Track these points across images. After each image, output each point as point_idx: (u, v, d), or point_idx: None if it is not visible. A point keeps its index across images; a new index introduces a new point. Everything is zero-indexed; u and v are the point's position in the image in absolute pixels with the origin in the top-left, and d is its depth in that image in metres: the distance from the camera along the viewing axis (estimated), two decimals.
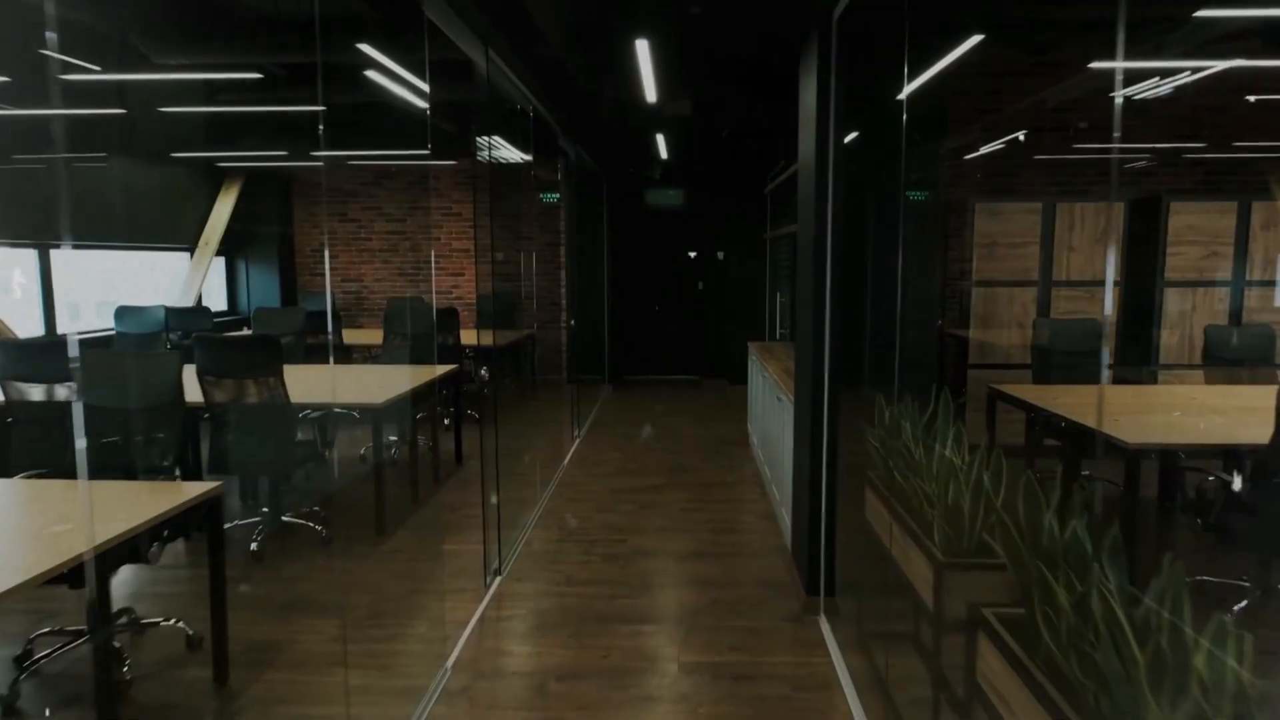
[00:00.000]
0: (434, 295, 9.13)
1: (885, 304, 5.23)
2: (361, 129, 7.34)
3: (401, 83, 4.82)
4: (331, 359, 5.88)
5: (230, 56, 4.28)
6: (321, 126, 3.36)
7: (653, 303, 9.34)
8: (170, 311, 6.30)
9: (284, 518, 4.06)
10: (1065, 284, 5.55)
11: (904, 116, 2.70)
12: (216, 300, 8.98)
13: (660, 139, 6.98)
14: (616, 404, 7.90)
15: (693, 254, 9.11)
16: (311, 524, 4.04)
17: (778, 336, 7.02)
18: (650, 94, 4.87)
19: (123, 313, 6.00)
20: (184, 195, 7.77)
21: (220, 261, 8.82)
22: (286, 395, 3.73)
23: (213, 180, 8.10)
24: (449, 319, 6.56)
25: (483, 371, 4.11)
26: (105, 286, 6.99)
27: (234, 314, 8.41)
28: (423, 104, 5.46)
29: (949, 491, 2.18)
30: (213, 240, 7.92)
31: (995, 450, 2.16)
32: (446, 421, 6.48)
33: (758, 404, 5.39)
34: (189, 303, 7.63)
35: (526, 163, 8.29)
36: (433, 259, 9.19)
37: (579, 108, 5.63)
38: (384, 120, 7.30)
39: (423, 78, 5.13)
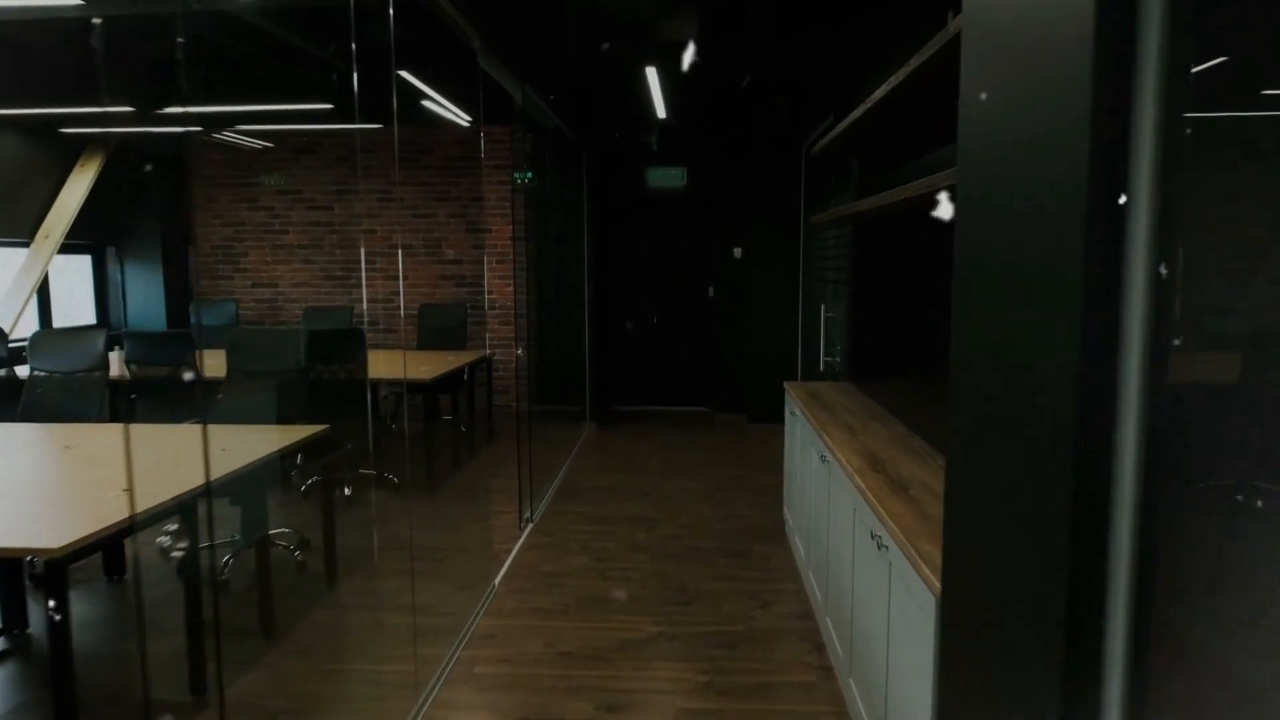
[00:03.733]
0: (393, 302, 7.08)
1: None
2: (249, 77, 5.30)
3: None
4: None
5: None
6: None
7: (650, 313, 7.28)
8: None
9: None
10: None
11: None
12: (84, 312, 6.99)
13: (655, 88, 4.91)
14: (596, 456, 5.83)
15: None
16: None
17: (822, 367, 4.96)
18: None
19: None
20: (11, 171, 5.76)
21: (85, 261, 6.82)
22: None
23: (61, 152, 6.10)
24: (343, 345, 4.51)
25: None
26: None
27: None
28: None
29: None
30: (55, 232, 5.90)
31: None
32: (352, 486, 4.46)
33: (805, 492, 3.32)
34: (12, 316, 5.61)
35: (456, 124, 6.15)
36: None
37: None
38: (284, 68, 5.29)
39: None
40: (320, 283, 7.15)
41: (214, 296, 7.21)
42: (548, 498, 4.73)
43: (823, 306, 4.94)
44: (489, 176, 6.92)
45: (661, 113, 5.52)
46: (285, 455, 3.21)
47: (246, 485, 3.13)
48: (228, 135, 6.55)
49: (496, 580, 3.50)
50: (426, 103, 5.10)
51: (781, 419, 6.65)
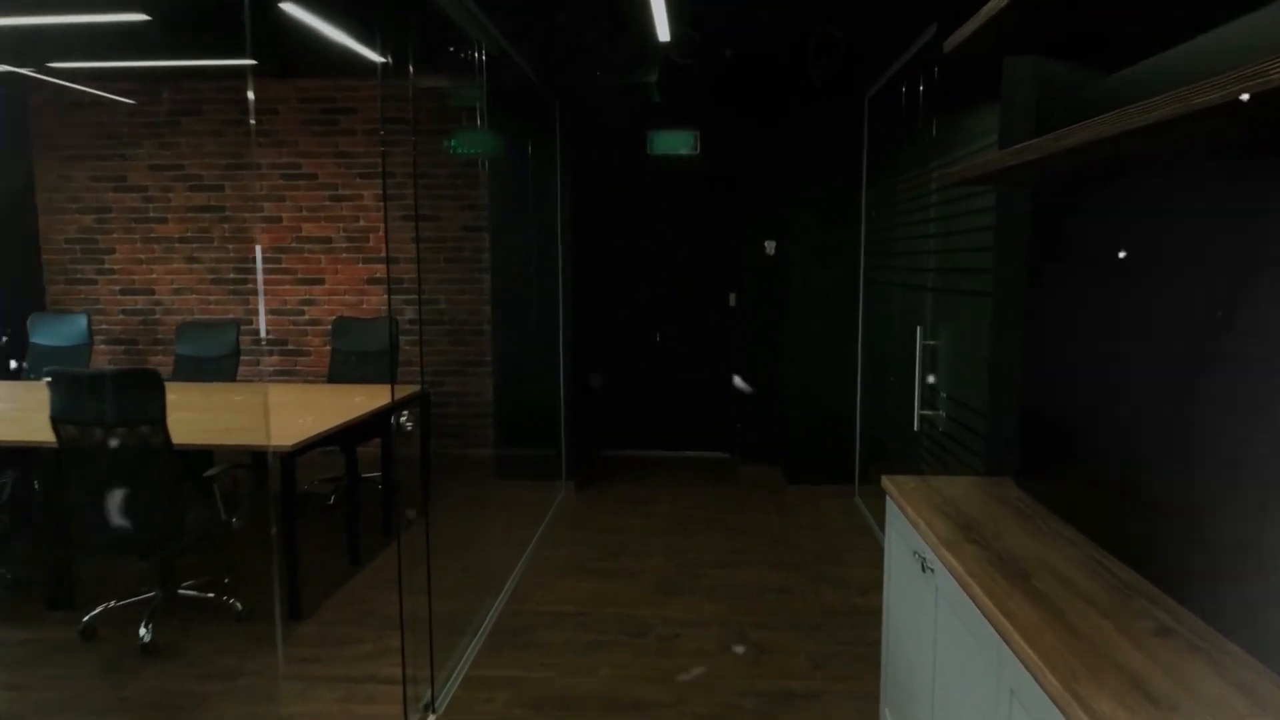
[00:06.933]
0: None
1: None
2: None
3: None
4: None
5: None
6: None
7: (650, 328, 5.47)
8: None
9: None
10: None
11: None
12: None
13: None
14: (569, 542, 4.00)
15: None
16: None
17: (915, 425, 3.11)
18: None
19: None
20: None
21: None
22: None
23: None
24: (132, 397, 2.72)
25: None
26: None
27: None
28: None
29: None
30: None
31: None
32: None
33: (934, 682, 1.47)
34: None
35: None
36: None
37: None
38: None
39: None
40: (209, 288, 5.35)
41: (72, 306, 5.44)
42: (475, 643, 2.90)
43: (918, 329, 3.09)
44: (430, 144, 5.11)
45: (664, 33, 3.68)
46: None
47: None
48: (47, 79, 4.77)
49: None
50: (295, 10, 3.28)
51: (835, 478, 4.75)
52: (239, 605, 3.09)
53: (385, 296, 5.28)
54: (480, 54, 3.31)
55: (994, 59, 2.23)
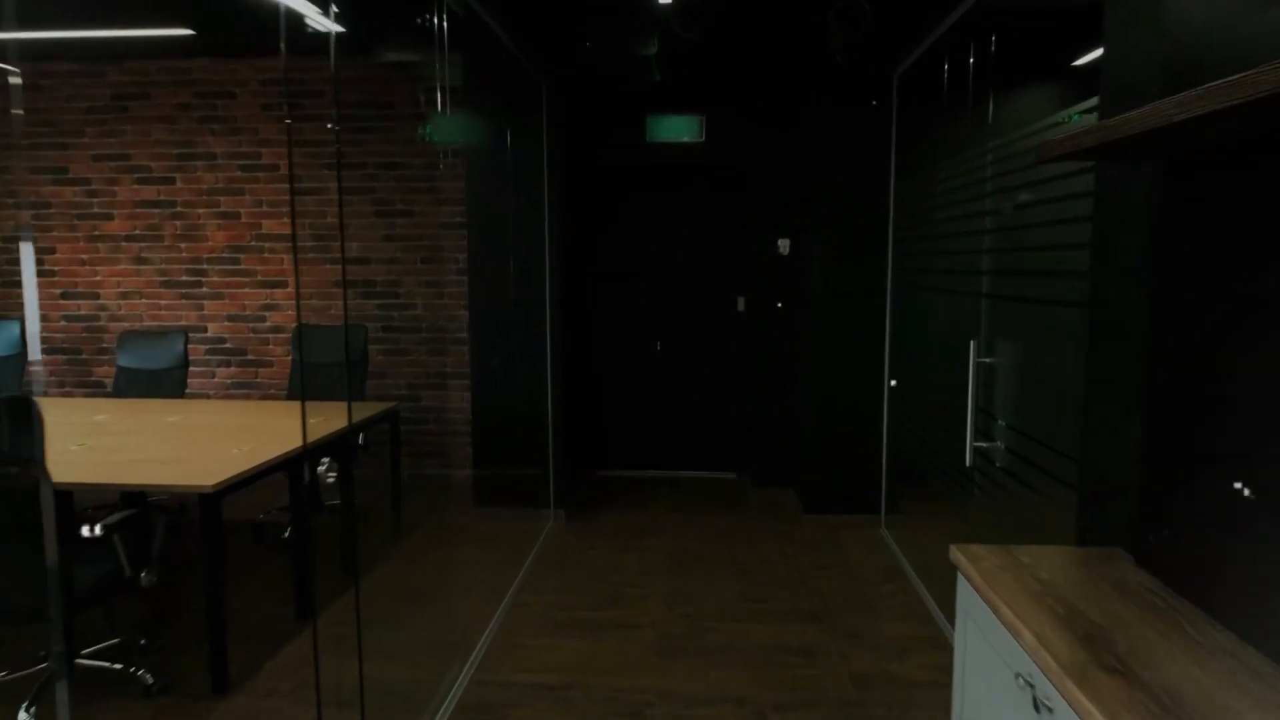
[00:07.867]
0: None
1: None
2: None
3: None
4: None
5: None
6: None
7: (650, 336, 4.94)
8: None
9: None
10: None
11: None
12: None
13: None
14: (555, 586, 3.47)
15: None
16: None
17: (968, 460, 2.59)
18: None
19: None
20: None
21: None
22: None
23: None
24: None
25: None
26: None
27: None
28: None
29: None
30: None
31: None
32: None
33: None
34: None
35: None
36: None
37: None
38: None
39: None
40: (159, 292, 4.83)
41: (9, 312, 4.91)
42: None
43: (972, 344, 2.56)
44: (406, 130, 4.59)
45: None
46: None
47: None
48: None
49: None
50: None
51: (857, 506, 4.11)
52: (149, 677, 2.56)
53: (356, 301, 4.75)
54: (441, 19, 2.78)
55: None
